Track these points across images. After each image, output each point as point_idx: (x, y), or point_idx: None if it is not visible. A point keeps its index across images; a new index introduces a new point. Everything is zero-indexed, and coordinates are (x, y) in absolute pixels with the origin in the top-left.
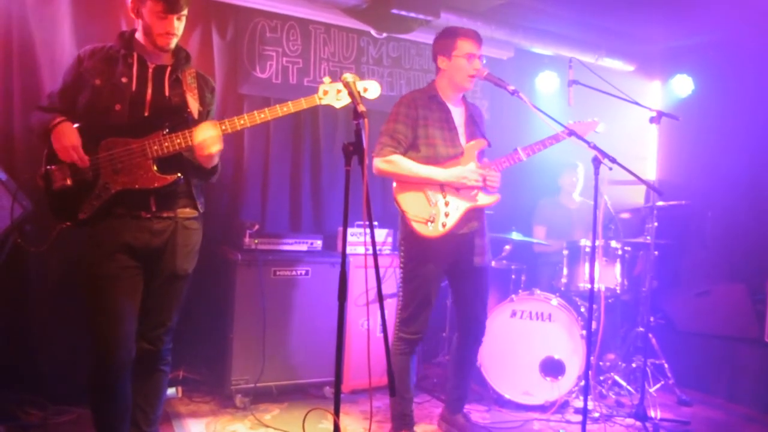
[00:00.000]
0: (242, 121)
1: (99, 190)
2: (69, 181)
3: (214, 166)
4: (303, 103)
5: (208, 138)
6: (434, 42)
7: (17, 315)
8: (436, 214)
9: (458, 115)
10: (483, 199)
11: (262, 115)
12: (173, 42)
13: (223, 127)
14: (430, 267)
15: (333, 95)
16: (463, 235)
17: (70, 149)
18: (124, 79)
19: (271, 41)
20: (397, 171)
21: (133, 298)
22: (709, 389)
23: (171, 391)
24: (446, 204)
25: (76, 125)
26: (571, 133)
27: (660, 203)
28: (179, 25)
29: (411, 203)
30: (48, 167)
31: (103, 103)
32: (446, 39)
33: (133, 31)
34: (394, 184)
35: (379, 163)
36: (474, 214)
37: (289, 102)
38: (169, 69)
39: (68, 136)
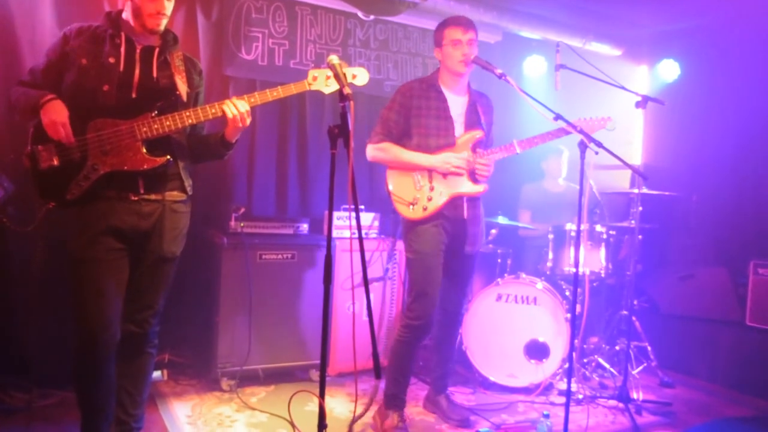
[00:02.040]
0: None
1: (87, 171)
2: (56, 161)
3: (235, 141)
4: (292, 89)
5: (245, 111)
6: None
7: (0, 297)
8: (419, 198)
9: (459, 104)
10: (469, 188)
11: (252, 99)
12: (163, 23)
13: (252, 100)
14: (424, 244)
15: (322, 81)
16: (455, 219)
17: (59, 125)
18: (111, 60)
19: (257, 22)
20: (385, 157)
21: (119, 280)
22: (691, 371)
23: (156, 374)
24: (431, 189)
25: None
26: (558, 117)
27: (645, 190)
28: (169, 6)
29: (398, 185)
30: (34, 146)
31: (90, 84)
32: (437, 31)
33: (120, 11)
34: (387, 169)
35: (371, 150)
36: (463, 201)
37: (279, 87)
38: (157, 50)
39: (59, 112)
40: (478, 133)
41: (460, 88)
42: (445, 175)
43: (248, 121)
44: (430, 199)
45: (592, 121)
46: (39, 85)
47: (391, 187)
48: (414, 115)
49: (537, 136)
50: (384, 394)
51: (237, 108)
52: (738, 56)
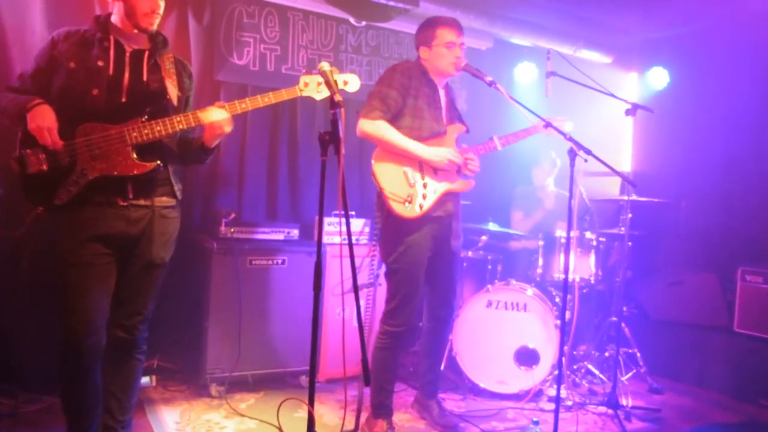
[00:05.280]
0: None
1: (76, 176)
2: (44, 166)
3: (214, 147)
4: (284, 95)
5: (222, 120)
6: (416, 33)
7: None
8: (413, 195)
9: (441, 97)
10: (459, 184)
11: (243, 105)
12: (156, 22)
13: (243, 106)
14: (413, 254)
15: (314, 87)
16: (440, 218)
17: (44, 130)
18: (100, 63)
19: (249, 27)
20: (381, 136)
21: (106, 285)
22: (680, 377)
23: (145, 379)
24: (424, 185)
25: None
26: (548, 124)
27: (634, 197)
28: (162, 5)
29: (389, 179)
30: (23, 151)
31: (79, 87)
32: (426, 29)
33: (109, 14)
34: (373, 160)
35: (366, 125)
36: (449, 197)
37: (270, 93)
38: (146, 53)
39: (45, 117)
40: (461, 128)
41: (442, 83)
42: (436, 170)
43: (228, 129)
44: (425, 197)
45: (553, 120)
46: (28, 91)
47: (383, 184)
48: (411, 96)
49: (516, 132)
50: (370, 404)
51: (215, 116)
52: (727, 64)
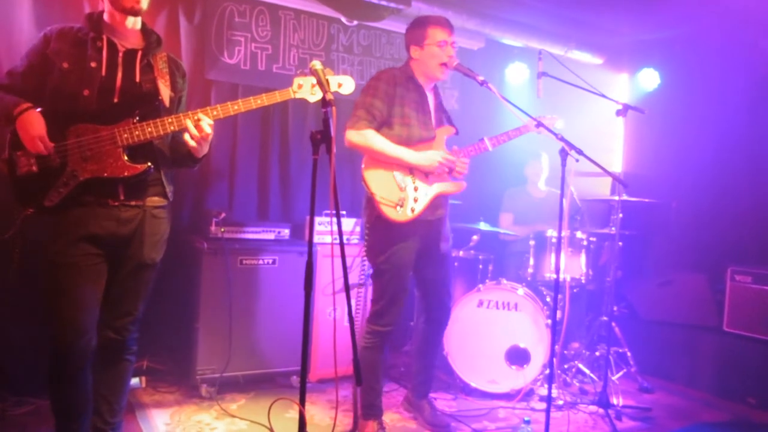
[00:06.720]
0: (215, 112)
1: (66, 177)
2: (34, 167)
3: (202, 156)
4: (277, 97)
5: (205, 135)
6: (406, 32)
7: None
8: (405, 198)
9: (430, 100)
10: (450, 186)
11: (235, 107)
12: (143, 2)
13: (236, 107)
14: (401, 256)
15: (307, 89)
16: (431, 221)
17: (36, 140)
18: (93, 64)
19: (240, 26)
20: (368, 145)
21: (96, 286)
22: (670, 376)
23: (135, 381)
24: (415, 189)
25: (38, 109)
26: (539, 124)
27: (625, 197)
28: None
29: (380, 184)
30: (12, 152)
31: (70, 88)
32: (417, 28)
33: (101, 12)
34: (363, 166)
35: (353, 135)
36: (440, 200)
37: (263, 95)
38: (140, 53)
39: (34, 126)
40: (451, 130)
41: (429, 87)
42: (427, 173)
43: (209, 135)
44: (416, 200)
45: (543, 119)
46: (18, 89)
47: (373, 189)
48: (397, 104)
49: (506, 132)
50: (360, 405)
51: (202, 128)
52: (717, 65)
